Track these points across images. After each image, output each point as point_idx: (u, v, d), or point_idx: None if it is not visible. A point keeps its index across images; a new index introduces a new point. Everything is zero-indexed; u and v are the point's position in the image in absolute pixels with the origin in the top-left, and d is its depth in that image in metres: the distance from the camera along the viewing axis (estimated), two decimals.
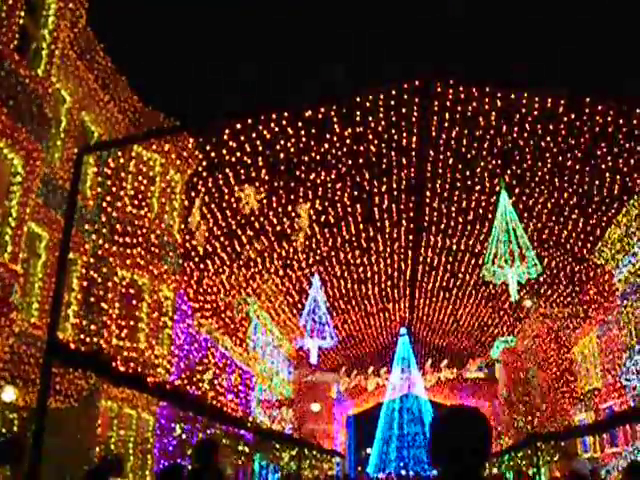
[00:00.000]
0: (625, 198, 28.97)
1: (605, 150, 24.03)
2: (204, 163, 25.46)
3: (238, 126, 19.86)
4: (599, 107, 21.37)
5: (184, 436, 25.80)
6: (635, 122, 21.41)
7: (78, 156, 12.95)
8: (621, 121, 21.86)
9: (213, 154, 23.19)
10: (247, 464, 33.83)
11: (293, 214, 27.29)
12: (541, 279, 35.17)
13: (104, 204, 22.72)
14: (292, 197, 26.95)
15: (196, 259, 28.49)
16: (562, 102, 21.92)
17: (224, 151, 22.65)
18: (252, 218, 27.27)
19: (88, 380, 19.62)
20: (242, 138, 21.93)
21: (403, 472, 65.71)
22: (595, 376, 40.69)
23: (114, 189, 23.29)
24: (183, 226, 26.45)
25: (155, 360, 23.66)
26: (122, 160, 23.83)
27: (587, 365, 42.36)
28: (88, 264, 21.59)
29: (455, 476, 3.18)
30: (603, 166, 25.00)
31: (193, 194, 26.00)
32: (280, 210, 27.56)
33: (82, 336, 20.47)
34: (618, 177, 25.66)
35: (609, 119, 21.80)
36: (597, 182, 26.25)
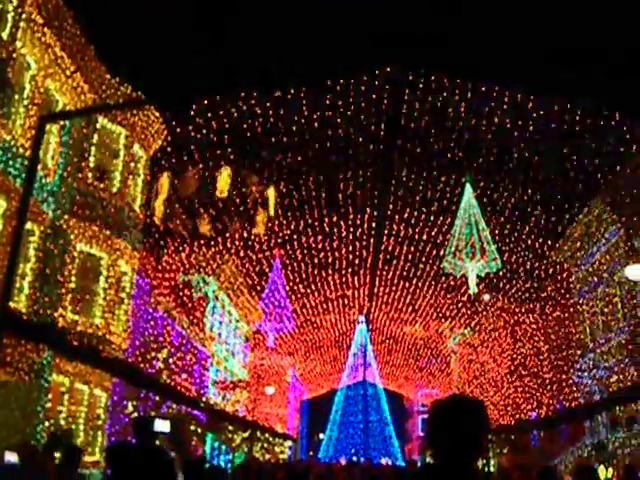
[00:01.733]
0: (587, 197, 29.22)
1: (571, 149, 24.16)
2: (169, 139, 25.14)
3: (206, 103, 19.59)
4: (568, 105, 21.48)
5: (136, 414, 25.59)
6: (602, 122, 21.53)
7: (40, 124, 12.67)
8: (588, 121, 21.97)
9: (179, 130, 22.87)
10: (198, 445, 33.67)
11: (258, 196, 27.06)
12: (500, 273, 35.41)
13: (65, 175, 22.30)
14: (257, 178, 26.72)
15: (156, 236, 28.17)
16: (531, 98, 22.00)
17: (190, 128, 22.34)
18: (215, 197, 26.99)
19: (40, 353, 19.29)
20: (209, 115, 21.64)
21: (354, 458, 65.95)
22: (548, 372, 41.12)
23: (76, 160, 22.88)
24: (146, 202, 26.14)
25: (110, 336, 23.37)
26: (86, 131, 23.41)
27: (540, 361, 42.78)
28: (46, 235, 21.17)
29: (450, 465, 3.14)
30: (568, 165, 25.13)
31: (157, 170, 25.65)
32: (243, 190, 27.31)
33: (36, 308, 20.10)
34: (582, 176, 25.83)
35: (577, 118, 21.90)
36: (561, 180, 26.41)
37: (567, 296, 36.82)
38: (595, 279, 32.77)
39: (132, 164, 25.54)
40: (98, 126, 24.08)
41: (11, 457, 12.33)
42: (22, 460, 10.37)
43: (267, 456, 42.30)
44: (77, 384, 22.72)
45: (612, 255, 30.44)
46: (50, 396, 20.98)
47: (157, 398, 26.42)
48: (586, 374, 32.55)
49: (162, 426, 24.70)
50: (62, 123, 21.97)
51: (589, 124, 22.07)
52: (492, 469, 32.40)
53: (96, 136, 23.97)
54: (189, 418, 29.52)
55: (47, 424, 20.41)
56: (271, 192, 25.71)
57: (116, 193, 24.41)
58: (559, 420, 32.78)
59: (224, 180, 23.78)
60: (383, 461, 68.57)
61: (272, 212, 26.44)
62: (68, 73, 22.07)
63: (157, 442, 7.95)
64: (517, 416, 41.19)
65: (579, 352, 34.03)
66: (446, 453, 3.17)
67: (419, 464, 27.57)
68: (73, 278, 22.41)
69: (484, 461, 31.53)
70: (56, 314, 21.07)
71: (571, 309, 36.39)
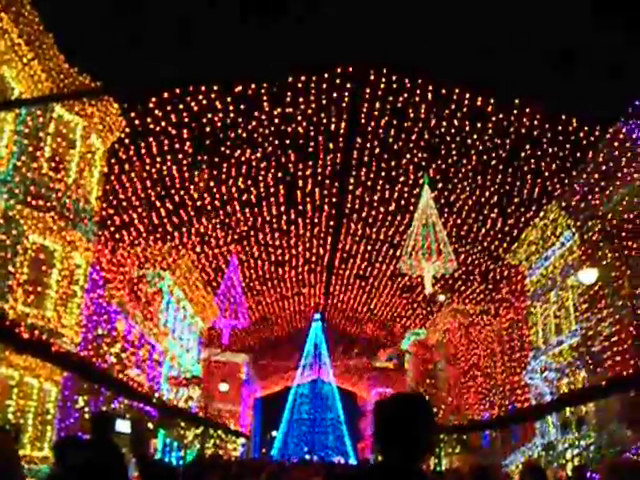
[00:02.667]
0: (543, 202, 29.53)
1: (529, 153, 24.40)
2: (128, 130, 24.85)
3: (165, 95, 19.40)
4: (527, 110, 21.69)
5: (87, 409, 25.26)
6: (560, 128, 21.77)
7: None
8: (547, 126, 22.21)
9: (137, 122, 22.60)
10: (151, 440, 33.38)
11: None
12: (456, 275, 35.65)
13: (19, 164, 21.89)
14: (215, 173, 26.55)
15: (112, 228, 27.84)
16: (492, 101, 22.16)
17: (149, 120, 22.09)
18: (172, 191, 26.77)
19: None
20: (169, 108, 21.42)
21: (307, 456, 65.99)
22: (501, 373, 41.54)
23: (31, 149, 22.46)
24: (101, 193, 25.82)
25: (62, 329, 23.01)
26: (42, 120, 23.00)
27: (494, 362, 43.19)
28: None
29: (396, 464, 3.10)
30: (525, 168, 25.39)
31: (114, 161, 25.34)
32: (201, 185, 27.12)
33: None
34: (539, 180, 26.10)
35: (535, 122, 22.13)
36: (518, 183, 26.66)
37: (521, 299, 37.21)
38: (549, 282, 33.14)
39: (89, 155, 25.19)
40: (55, 115, 23.67)
41: None
42: None
43: (219, 452, 42.06)
44: (27, 378, 22.34)
45: (566, 259, 30.80)
46: None
47: (109, 393, 26.10)
48: (538, 376, 32.91)
49: (122, 426, 24.44)
50: (17, 111, 21.59)
51: (547, 129, 22.32)
52: (444, 468, 32.59)
53: (52, 126, 23.56)
54: (145, 419, 29.24)
55: None
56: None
57: (72, 184, 24.04)
58: (510, 421, 33.11)
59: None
60: (336, 459, 68.68)
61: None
62: (25, 61, 21.67)
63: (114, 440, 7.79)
64: (469, 416, 41.56)
65: (531, 354, 34.40)
66: (392, 452, 3.12)
67: (372, 463, 27.61)
68: (25, 269, 22.01)
69: (436, 460, 31.75)
70: (6, 306, 20.67)
71: (524, 312, 36.78)
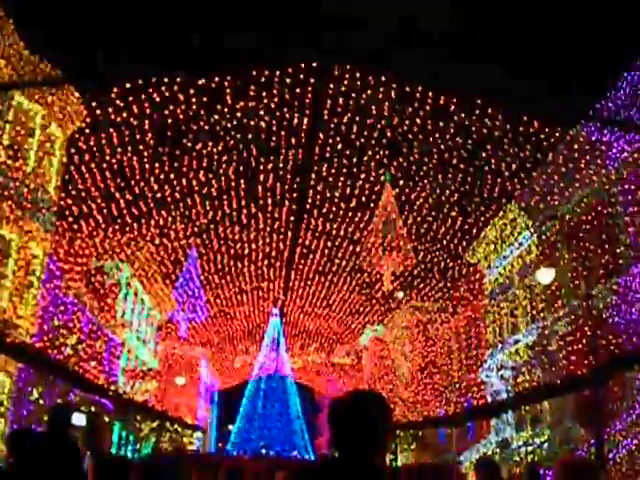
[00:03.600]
0: (503, 201, 29.80)
1: (489, 153, 24.58)
2: (88, 120, 24.57)
3: (127, 85, 19.20)
4: (489, 110, 21.84)
5: (41, 401, 24.97)
6: (521, 128, 21.96)
7: None
8: (508, 126, 22.39)
9: (98, 112, 22.34)
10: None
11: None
12: (415, 272, 35.86)
13: None
14: (176, 165, 26.37)
15: (70, 219, 27.50)
16: (454, 100, 22.28)
17: (110, 110, 21.85)
18: (132, 182, 26.52)
19: None
20: (130, 99, 21.20)
21: (263, 451, 65.96)
22: (457, 370, 41.90)
23: None
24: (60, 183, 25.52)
25: (17, 320, 22.74)
26: (0, 107, 22.64)
27: (450, 359, 43.56)
28: None
29: (350, 460, 3.11)
30: (486, 168, 25.59)
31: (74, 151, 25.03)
32: (162, 177, 26.91)
33: None
34: (499, 180, 26.33)
35: (496, 123, 22.30)
36: (478, 183, 26.86)
37: (479, 297, 37.55)
38: (507, 281, 33.49)
39: (48, 144, 24.90)
40: (14, 103, 23.34)
41: None
42: None
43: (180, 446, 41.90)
44: None
45: (524, 259, 31.14)
46: None
47: (64, 385, 25.84)
48: (494, 373, 33.25)
49: (78, 419, 24.13)
50: None
51: (508, 129, 22.51)
52: (400, 464, 32.76)
53: (11, 113, 23.22)
54: (102, 412, 29.01)
55: None
56: None
57: (30, 173, 23.75)
58: (466, 418, 33.42)
59: None
60: (292, 454, 68.75)
61: None
62: None
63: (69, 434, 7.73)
64: (425, 413, 41.84)
65: (488, 352, 34.75)
66: (349, 448, 3.14)
67: (329, 458, 27.72)
68: None
69: (392, 456, 31.92)
70: None
71: (482, 310, 37.13)
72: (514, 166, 25.10)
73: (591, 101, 23.08)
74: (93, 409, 28.24)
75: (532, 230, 29.73)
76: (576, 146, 24.71)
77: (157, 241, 35.95)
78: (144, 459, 15.16)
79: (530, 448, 27.04)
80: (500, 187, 26.98)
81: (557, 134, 22.91)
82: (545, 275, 22.72)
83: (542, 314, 28.89)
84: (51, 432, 7.55)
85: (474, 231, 32.37)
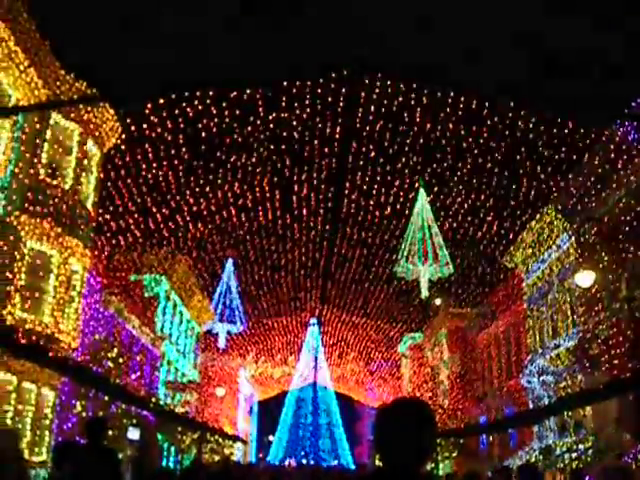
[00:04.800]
0: (539, 205, 29.57)
1: (524, 156, 24.43)
2: (124, 137, 24.87)
3: (161, 101, 19.41)
4: (522, 113, 21.72)
5: (85, 413, 25.27)
6: (555, 130, 21.80)
7: None
8: (542, 128, 22.24)
9: (133, 128, 22.61)
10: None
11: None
12: (452, 278, 35.70)
13: (16, 171, 21.92)
14: (211, 178, 26.58)
15: (108, 234, 27.84)
16: (486, 105, 22.20)
17: (145, 126, 22.10)
18: (168, 196, 26.78)
19: None
20: (164, 114, 21.44)
21: (304, 461, 66.01)
22: (498, 377, 41.58)
23: (28, 156, 22.49)
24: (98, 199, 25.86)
25: (59, 334, 23.05)
26: (39, 127, 23.02)
27: (491, 365, 43.26)
28: None
29: (396, 469, 3.13)
30: (521, 171, 25.42)
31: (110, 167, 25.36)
32: (197, 190, 27.13)
33: None
34: (534, 183, 26.15)
35: (530, 125, 22.16)
36: (514, 187, 26.69)
37: (518, 302, 37.25)
38: (546, 285, 33.18)
39: (85, 161, 25.25)
40: (51, 122, 23.72)
41: None
42: None
43: (216, 458, 42.04)
44: (24, 383, 22.36)
45: (562, 262, 30.85)
46: None
47: (106, 398, 26.09)
48: (535, 379, 32.93)
49: (132, 434, 24.37)
50: (15, 118, 21.62)
51: (542, 131, 22.36)
52: (441, 472, 32.62)
53: (49, 132, 23.61)
54: (153, 428, 29.25)
55: None
56: None
57: (68, 190, 24.09)
58: (508, 424, 33.11)
59: None
60: (333, 464, 68.65)
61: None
62: (22, 68, 21.71)
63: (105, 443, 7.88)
64: (466, 420, 41.57)
65: (528, 357, 34.43)
66: (391, 457, 3.16)
67: (369, 467, 27.67)
68: (23, 275, 22.05)
69: (433, 465, 31.74)
70: (4, 312, 20.70)
71: (521, 315, 36.82)
72: (550, 169, 24.92)
73: (627, 99, 22.83)
74: (134, 421, 28.46)
75: (570, 233, 29.44)
76: (612, 146, 24.44)
77: (194, 254, 36.25)
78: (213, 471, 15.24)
79: (574, 454, 26.72)
80: (536, 190, 26.79)
81: (592, 135, 22.70)
82: (585, 278, 22.49)
83: (582, 318, 28.57)
84: (89, 444, 7.71)
85: (511, 235, 32.17)
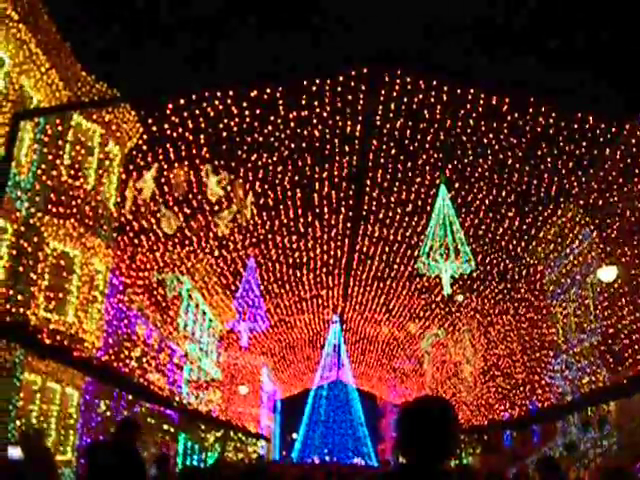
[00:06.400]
0: (561, 200, 29.43)
1: (545, 151, 24.33)
2: (145, 137, 25.01)
3: (182, 101, 19.50)
4: (542, 108, 21.63)
5: (109, 413, 25.44)
6: (575, 126, 21.70)
7: (14, 121, 12.56)
8: (562, 123, 22.13)
9: (154, 128, 22.73)
10: (171, 444, 33.54)
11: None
12: (474, 275, 35.58)
13: (39, 172, 22.12)
14: (232, 177, 26.63)
15: (131, 234, 28.00)
16: (506, 100, 22.12)
17: (166, 126, 22.22)
18: (189, 196, 26.89)
19: (12, 352, 19.14)
20: (185, 114, 21.54)
21: (327, 458, 66.09)
22: (521, 373, 41.41)
23: (50, 157, 22.69)
24: (119, 199, 26.00)
25: (83, 334, 23.23)
26: (60, 128, 23.22)
27: (513, 361, 43.07)
28: (19, 233, 21.02)
29: (419, 466, 3.16)
30: (542, 167, 25.31)
31: (132, 167, 25.48)
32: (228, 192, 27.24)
33: (8, 306, 19.92)
34: (555, 178, 26.03)
35: (551, 121, 22.07)
36: (535, 182, 26.59)
37: (540, 297, 37.08)
38: (568, 281, 33.03)
39: (107, 162, 25.43)
40: (73, 123, 23.92)
41: (14, 452, 12.16)
42: (26, 454, 10.26)
43: (240, 455, 42.24)
44: (49, 383, 22.56)
45: (585, 257, 30.69)
46: (22, 395, 20.81)
47: (130, 397, 26.28)
48: (558, 375, 32.80)
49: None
50: (36, 120, 21.81)
51: (563, 126, 22.25)
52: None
53: (71, 133, 23.81)
54: (163, 417, 29.35)
55: (18, 423, 20.23)
56: (249, 198, 25.60)
57: (90, 191, 24.28)
58: (531, 420, 33.02)
59: (214, 184, 23.57)
60: (356, 461, 68.69)
61: (248, 215, 26.37)
62: (43, 70, 21.90)
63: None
64: (490, 416, 41.43)
65: (552, 353, 34.29)
66: (415, 455, 3.18)
67: (392, 464, 27.69)
68: (46, 276, 22.25)
69: (457, 461, 31.70)
70: (29, 312, 20.89)
71: (544, 311, 36.65)
72: (571, 164, 24.79)
73: None
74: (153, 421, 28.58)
75: (592, 228, 29.28)
76: (633, 140, 24.29)
77: (216, 253, 36.35)
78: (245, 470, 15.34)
79: (598, 450, 26.61)
80: (557, 185, 26.67)
81: (613, 129, 22.57)
82: (608, 273, 22.40)
83: (606, 313, 28.42)
84: (117, 444, 7.78)
85: (533, 231, 32.03)
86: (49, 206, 22.46)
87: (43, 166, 22.32)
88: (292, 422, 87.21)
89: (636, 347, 24.81)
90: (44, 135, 22.47)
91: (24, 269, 21.11)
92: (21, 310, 20.53)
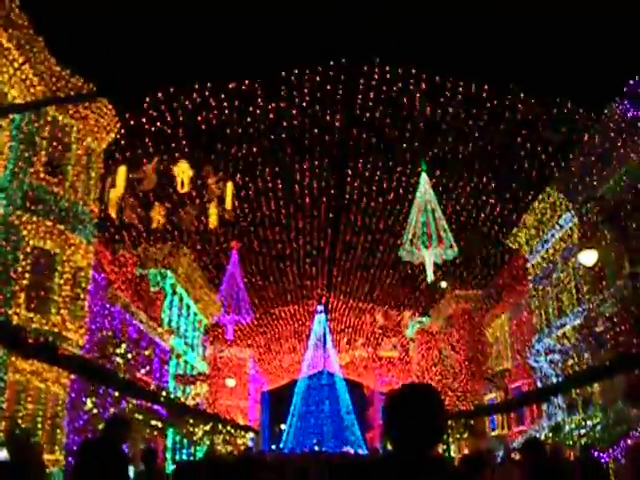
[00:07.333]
0: (541, 185, 29.58)
1: (525, 138, 24.42)
2: (123, 131, 24.86)
3: (159, 95, 19.41)
4: (521, 95, 21.71)
5: (95, 410, 25.33)
6: (555, 112, 21.79)
7: None
8: (541, 109, 22.22)
9: (132, 122, 22.60)
10: (160, 439, 33.48)
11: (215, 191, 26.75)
12: (457, 261, 35.72)
13: (16, 170, 21.90)
14: (213, 170, 26.54)
15: (112, 230, 27.87)
16: (485, 88, 22.18)
17: (144, 120, 22.09)
18: (170, 190, 26.78)
19: None
20: (163, 107, 21.43)
21: (316, 448, 66.14)
22: (505, 357, 41.63)
23: (27, 154, 22.47)
24: (100, 195, 25.84)
25: (67, 332, 23.08)
26: (36, 124, 22.99)
27: (498, 346, 43.30)
28: None
29: (407, 453, 3.17)
30: (522, 153, 25.41)
31: (111, 163, 25.33)
32: (199, 183, 27.13)
33: None
34: (536, 164, 26.14)
35: (530, 107, 22.15)
36: (515, 168, 26.69)
37: (522, 282, 37.27)
38: (550, 265, 33.18)
39: (85, 157, 25.21)
40: (49, 119, 23.66)
41: (1, 453, 12.09)
42: (13, 455, 10.19)
43: (229, 448, 42.22)
44: (34, 382, 22.39)
45: (566, 241, 30.83)
46: (7, 395, 20.66)
47: (116, 394, 26.18)
48: (542, 358, 32.99)
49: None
50: (12, 117, 21.59)
51: (542, 113, 22.34)
52: (453, 454, 32.71)
53: (47, 129, 23.56)
54: (151, 412, 29.26)
55: (4, 424, 20.10)
56: (229, 186, 25.49)
57: (69, 187, 24.07)
58: (517, 404, 33.21)
59: (184, 174, 23.48)
60: (346, 450, 68.81)
61: (229, 206, 26.30)
62: (16, 65, 21.63)
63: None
64: (476, 402, 41.66)
65: (535, 337, 34.47)
66: (402, 441, 3.19)
67: (381, 452, 27.79)
68: (27, 275, 22.05)
69: (444, 447, 31.85)
70: (10, 312, 20.73)
71: (526, 295, 36.85)
72: (550, 149, 24.91)
73: (624, 78, 22.78)
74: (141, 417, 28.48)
75: (572, 212, 29.42)
76: (611, 125, 24.40)
77: (198, 247, 36.30)
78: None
79: (583, 431, 26.80)
80: (538, 171, 26.79)
81: (592, 114, 22.69)
82: (588, 257, 22.52)
83: (587, 296, 28.59)
84: (106, 442, 7.73)
85: (514, 216, 32.18)
86: (27, 204, 22.24)
87: (20, 163, 22.09)
88: (280, 413, 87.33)
89: (617, 329, 24.98)
90: (20, 132, 22.25)
91: (4, 268, 20.93)
92: (2, 310, 20.38)
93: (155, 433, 30.87)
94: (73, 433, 24.20)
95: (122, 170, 23.21)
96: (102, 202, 25.69)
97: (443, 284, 44.77)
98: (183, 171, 23.37)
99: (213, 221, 26.87)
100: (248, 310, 47.81)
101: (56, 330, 22.47)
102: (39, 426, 22.31)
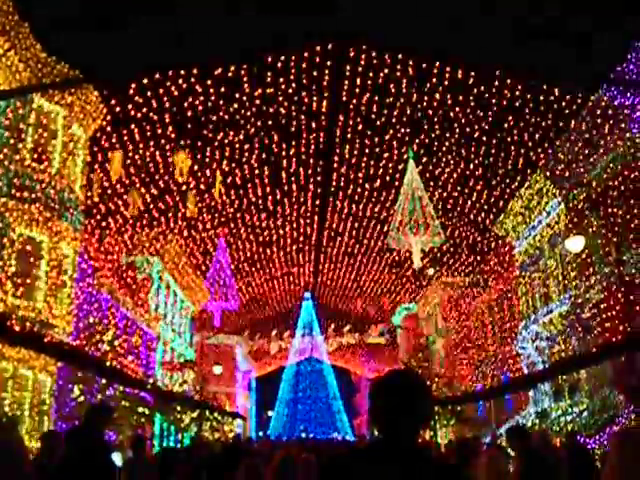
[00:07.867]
0: (528, 172, 29.62)
1: (511, 124, 24.43)
2: (109, 118, 24.72)
3: (145, 81, 19.27)
4: (508, 81, 21.69)
5: (82, 397, 25.29)
6: (542, 98, 21.80)
7: None
8: (528, 96, 22.22)
9: (118, 109, 22.46)
10: (147, 426, 33.45)
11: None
12: (444, 248, 35.80)
13: (1, 157, 21.75)
14: (198, 157, 26.47)
15: (98, 217, 27.75)
16: (472, 74, 22.13)
17: (130, 106, 21.96)
18: (156, 176, 26.69)
19: None
20: (149, 94, 21.29)
21: (303, 435, 66.32)
22: (492, 344, 41.79)
23: (12, 141, 22.32)
24: (86, 182, 25.72)
25: (53, 320, 23.02)
26: (22, 111, 22.82)
27: (485, 333, 43.46)
28: None
29: (389, 441, 3.17)
30: (509, 139, 25.43)
31: (97, 149, 25.21)
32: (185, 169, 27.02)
33: None
34: (522, 151, 26.17)
35: (517, 93, 22.14)
36: (502, 155, 26.71)
37: (509, 269, 37.39)
38: (537, 252, 33.30)
39: (71, 144, 25.08)
40: (35, 106, 23.50)
41: None
42: None
43: (216, 435, 42.28)
44: (21, 370, 22.33)
45: (553, 228, 30.93)
46: None
47: (103, 381, 26.14)
48: (529, 345, 33.15)
49: None
50: None
51: (529, 99, 22.34)
52: (439, 440, 32.82)
53: (33, 116, 23.41)
54: (138, 399, 29.25)
55: None
56: (216, 177, 25.46)
57: (55, 174, 23.94)
58: (504, 390, 33.39)
59: (183, 163, 23.33)
60: (333, 436, 69.08)
61: (216, 194, 26.28)
62: (1, 51, 21.47)
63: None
64: (463, 388, 41.81)
65: (522, 324, 34.62)
66: (387, 428, 3.19)
67: (368, 438, 27.90)
68: (13, 262, 21.95)
69: (432, 433, 31.99)
70: None
71: (513, 282, 36.97)
72: (537, 135, 24.93)
73: (611, 65, 22.82)
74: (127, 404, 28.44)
75: (559, 199, 29.51)
76: (598, 111, 24.46)
77: (185, 233, 36.22)
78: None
79: (569, 417, 26.97)
80: (524, 157, 26.82)
81: (578, 100, 22.70)
82: (575, 243, 22.60)
83: (574, 283, 28.72)
84: (84, 430, 7.67)
85: (501, 203, 32.24)
86: (13, 191, 22.11)
87: (5, 150, 21.95)
88: (268, 400, 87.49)
89: (604, 315, 25.11)
90: (5, 119, 22.09)
91: None
92: None
93: (142, 420, 30.83)
94: (60, 420, 24.17)
95: (117, 155, 23.00)
96: (89, 189, 25.59)
97: (430, 271, 44.86)
98: (182, 161, 23.22)
99: (192, 209, 26.86)
100: (235, 297, 47.78)
101: (43, 317, 22.42)
102: (26, 414, 22.26)
